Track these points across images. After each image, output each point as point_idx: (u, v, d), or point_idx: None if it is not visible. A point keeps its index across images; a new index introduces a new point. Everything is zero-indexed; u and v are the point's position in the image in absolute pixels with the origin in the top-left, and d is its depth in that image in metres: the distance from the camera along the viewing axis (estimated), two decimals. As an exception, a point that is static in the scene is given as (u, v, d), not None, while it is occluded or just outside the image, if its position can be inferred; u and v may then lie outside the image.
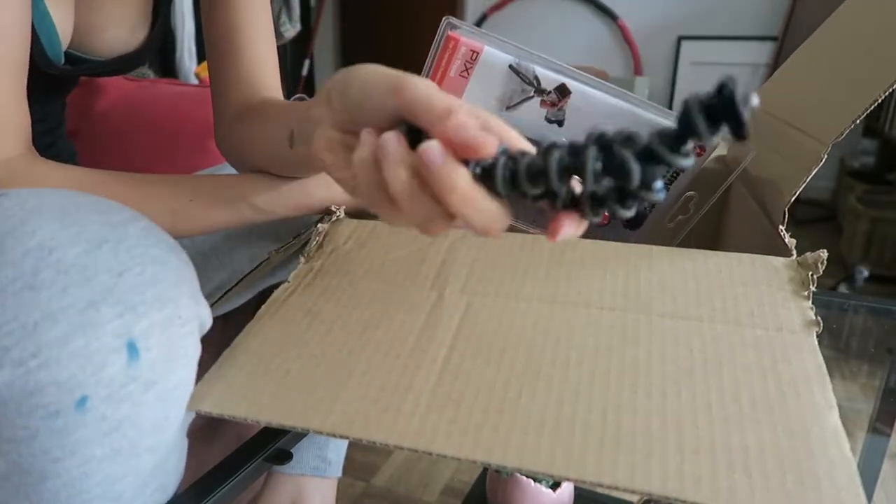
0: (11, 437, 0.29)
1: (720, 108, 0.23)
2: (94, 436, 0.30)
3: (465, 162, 0.30)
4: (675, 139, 0.25)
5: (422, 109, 0.31)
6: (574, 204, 0.30)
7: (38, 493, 0.31)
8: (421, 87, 0.31)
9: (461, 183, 0.29)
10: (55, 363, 0.29)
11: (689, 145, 0.26)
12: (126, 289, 0.32)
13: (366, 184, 0.33)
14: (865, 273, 1.85)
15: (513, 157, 0.30)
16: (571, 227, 0.30)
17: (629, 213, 0.29)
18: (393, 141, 0.31)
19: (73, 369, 0.29)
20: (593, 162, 0.27)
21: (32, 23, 0.46)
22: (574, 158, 0.28)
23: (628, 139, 0.27)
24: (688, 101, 0.24)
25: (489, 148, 0.29)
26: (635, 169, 0.26)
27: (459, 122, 0.29)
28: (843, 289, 1.83)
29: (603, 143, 0.27)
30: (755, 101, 0.23)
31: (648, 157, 0.26)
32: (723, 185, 0.55)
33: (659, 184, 0.27)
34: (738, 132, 0.23)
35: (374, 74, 0.34)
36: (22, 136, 0.44)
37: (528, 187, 0.29)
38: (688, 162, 0.26)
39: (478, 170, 0.30)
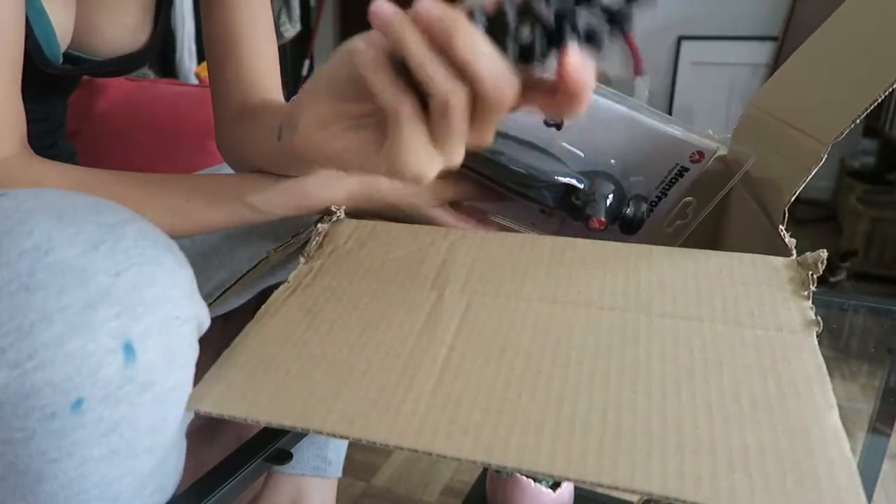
0: (8, 439, 0.29)
1: None
2: (91, 437, 0.30)
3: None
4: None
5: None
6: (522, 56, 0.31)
7: (35, 494, 0.31)
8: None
9: (462, 25, 0.29)
10: (51, 364, 0.29)
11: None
12: (123, 290, 0.31)
13: (380, 87, 0.32)
14: (844, 270, 1.86)
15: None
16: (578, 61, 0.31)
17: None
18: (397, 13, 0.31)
19: (69, 371, 0.29)
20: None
21: (28, 21, 0.46)
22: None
23: None
24: None
25: None
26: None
27: None
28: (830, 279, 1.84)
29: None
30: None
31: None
32: (721, 192, 0.55)
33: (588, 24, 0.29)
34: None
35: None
36: (17, 136, 0.44)
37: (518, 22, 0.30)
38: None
39: (482, 19, 0.30)
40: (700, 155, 0.53)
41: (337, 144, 0.36)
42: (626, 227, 0.55)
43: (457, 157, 0.34)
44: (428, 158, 0.33)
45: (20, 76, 0.44)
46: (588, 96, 0.32)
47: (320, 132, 0.36)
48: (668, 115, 0.52)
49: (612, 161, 0.55)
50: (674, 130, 0.52)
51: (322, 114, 0.36)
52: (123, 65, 0.61)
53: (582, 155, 0.55)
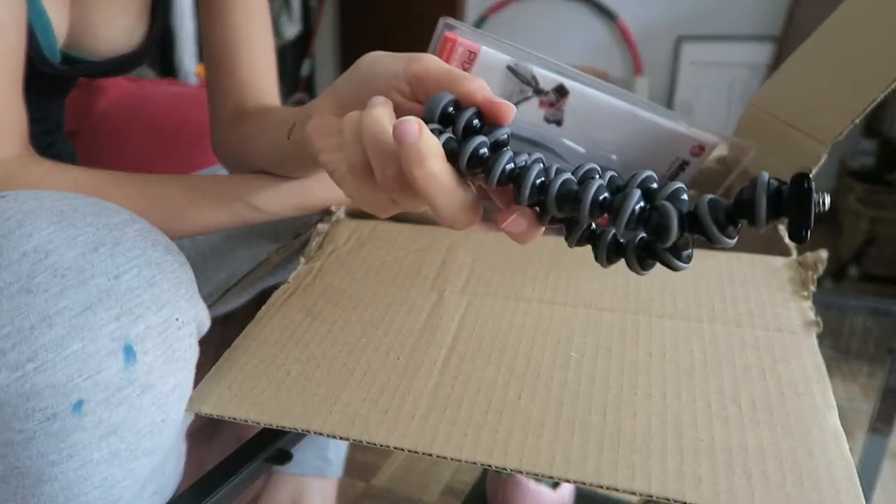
0: (8, 441, 0.29)
1: (790, 200, 0.21)
2: (91, 439, 0.30)
3: (480, 163, 0.29)
4: (726, 212, 0.23)
5: (438, 72, 0.32)
6: (588, 239, 0.28)
7: (35, 496, 0.31)
8: (437, 59, 0.33)
9: (431, 160, 0.28)
10: (51, 367, 0.29)
11: (737, 226, 0.23)
12: (123, 291, 0.32)
13: (349, 149, 0.32)
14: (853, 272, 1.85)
15: (546, 169, 0.28)
16: (524, 226, 0.29)
17: (642, 272, 0.27)
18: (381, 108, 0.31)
19: (69, 373, 0.29)
20: (633, 206, 0.25)
21: (29, 21, 0.46)
22: (612, 196, 0.26)
23: (675, 194, 0.24)
24: (758, 180, 0.22)
25: (510, 113, 0.29)
26: (674, 229, 0.24)
27: (482, 83, 0.30)
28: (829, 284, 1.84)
29: (646, 189, 0.25)
30: (827, 202, 0.21)
31: (691, 222, 0.24)
32: (723, 185, 0.55)
33: (689, 252, 0.25)
34: (800, 232, 0.21)
35: (386, 54, 0.36)
36: (19, 136, 0.44)
37: (554, 208, 0.27)
38: (730, 242, 0.24)
39: (509, 167, 0.28)
40: (700, 148, 0.53)
41: (332, 155, 0.36)
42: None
43: (415, 208, 0.34)
44: (379, 207, 0.33)
45: (22, 77, 0.44)
46: (528, 241, 0.31)
47: (321, 140, 0.37)
48: (667, 109, 0.52)
49: (613, 156, 0.55)
50: (673, 124, 0.52)
51: (327, 124, 0.37)
52: (120, 65, 0.61)
53: (583, 150, 0.55)
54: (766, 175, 0.22)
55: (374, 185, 0.32)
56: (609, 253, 0.28)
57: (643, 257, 0.26)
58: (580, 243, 0.29)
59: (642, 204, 0.25)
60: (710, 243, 0.24)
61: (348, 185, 0.34)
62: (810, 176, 0.21)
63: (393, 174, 0.30)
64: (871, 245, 1.90)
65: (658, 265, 0.27)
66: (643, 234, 0.26)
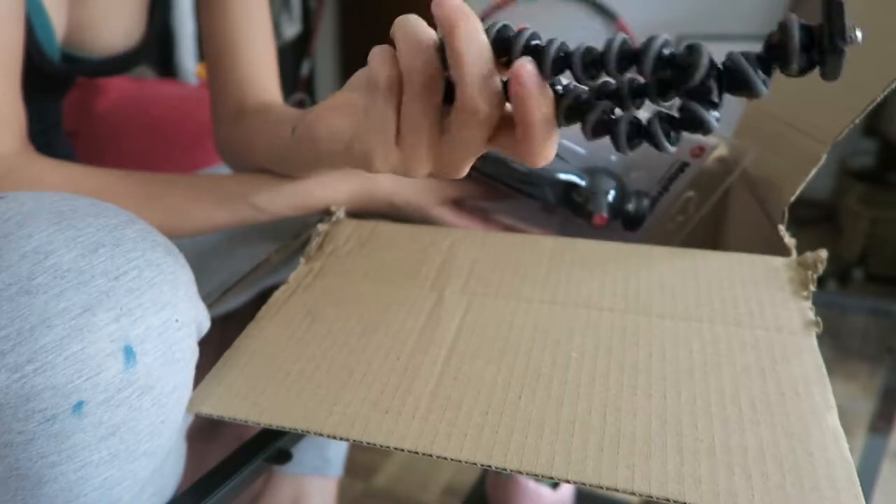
0: (8, 442, 0.29)
1: (823, 28, 0.21)
2: (91, 440, 0.30)
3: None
4: (758, 58, 0.23)
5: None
6: (605, 126, 0.28)
7: (35, 497, 0.31)
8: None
9: (471, 21, 0.29)
10: (51, 368, 0.29)
11: (770, 73, 0.24)
12: (123, 293, 0.32)
13: (375, 59, 0.32)
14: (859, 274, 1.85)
15: (566, 50, 0.28)
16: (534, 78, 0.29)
17: (669, 146, 0.27)
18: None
19: (69, 374, 0.29)
20: (658, 46, 0.25)
21: (28, 18, 0.46)
22: (632, 51, 0.26)
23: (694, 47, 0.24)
24: (788, 18, 0.22)
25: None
26: (704, 61, 0.24)
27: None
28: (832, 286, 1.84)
29: (668, 44, 0.26)
30: (859, 35, 0.21)
31: (721, 71, 0.24)
32: (722, 186, 0.54)
33: (717, 114, 0.25)
34: (832, 61, 0.21)
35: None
36: (17, 133, 0.44)
37: (581, 72, 0.28)
38: (762, 89, 0.24)
39: (535, 38, 0.29)
40: (700, 149, 0.53)
41: (342, 121, 0.36)
42: (628, 222, 0.55)
43: (420, 171, 0.34)
44: (389, 151, 0.34)
45: (20, 73, 0.44)
46: (543, 140, 0.30)
47: (331, 112, 0.37)
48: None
49: (613, 157, 0.55)
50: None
51: (337, 99, 0.38)
52: (119, 63, 0.61)
53: (583, 152, 0.55)
54: (793, 16, 0.22)
55: (390, 113, 0.32)
56: (629, 136, 0.28)
57: (668, 129, 0.26)
58: (597, 132, 0.28)
59: (670, 47, 0.25)
60: (745, 93, 0.24)
61: (376, 110, 0.33)
62: (841, 6, 0.21)
63: (429, 62, 0.30)
64: (874, 247, 1.90)
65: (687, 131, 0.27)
66: (662, 111, 0.27)
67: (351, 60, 3.17)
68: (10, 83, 0.43)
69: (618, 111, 0.29)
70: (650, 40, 0.26)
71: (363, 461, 1.05)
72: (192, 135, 1.00)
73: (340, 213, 0.53)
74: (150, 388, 0.32)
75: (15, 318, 0.29)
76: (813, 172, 0.44)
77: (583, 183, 0.54)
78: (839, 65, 0.21)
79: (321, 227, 0.52)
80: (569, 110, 0.30)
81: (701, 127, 0.26)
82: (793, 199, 0.45)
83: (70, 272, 0.30)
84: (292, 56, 2.85)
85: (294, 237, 0.54)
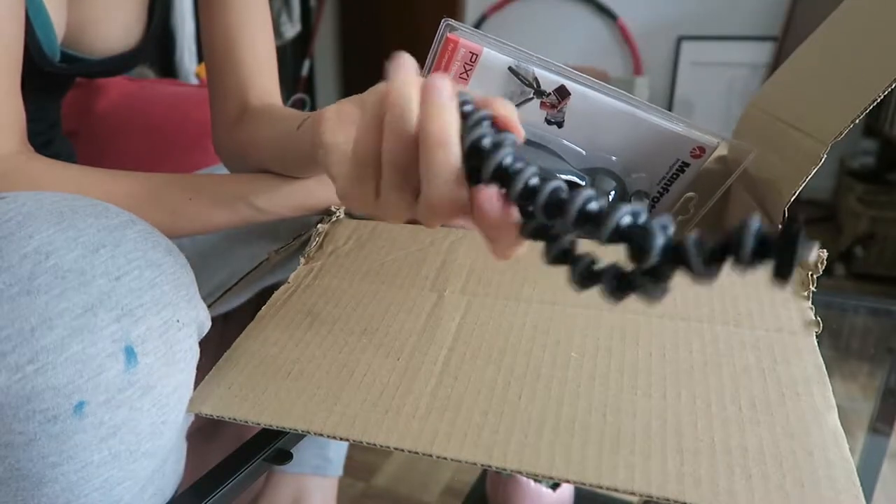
0: (9, 442, 0.29)
1: (776, 244, 0.22)
2: (91, 441, 0.30)
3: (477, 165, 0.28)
4: (711, 251, 0.24)
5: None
6: (564, 258, 0.28)
7: (35, 497, 0.31)
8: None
9: (449, 113, 0.28)
10: (52, 368, 0.29)
11: (721, 266, 0.24)
12: (123, 293, 0.32)
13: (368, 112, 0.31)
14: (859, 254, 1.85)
15: (534, 185, 0.28)
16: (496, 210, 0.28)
17: (614, 301, 0.27)
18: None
19: (70, 374, 0.29)
20: (619, 218, 0.25)
21: (28, 18, 0.46)
22: (600, 209, 0.25)
23: (663, 223, 0.24)
24: (746, 223, 0.22)
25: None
26: (657, 246, 0.24)
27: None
28: (839, 270, 1.84)
29: (634, 212, 0.25)
30: (814, 254, 0.21)
31: (676, 254, 0.24)
32: (723, 186, 0.54)
33: (665, 286, 0.25)
34: (782, 272, 0.22)
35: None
36: (17, 133, 0.44)
37: (542, 213, 0.27)
38: (711, 278, 0.24)
39: (507, 161, 0.27)
40: (700, 150, 0.53)
41: (339, 136, 0.36)
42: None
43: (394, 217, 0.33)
44: (364, 199, 0.33)
45: (20, 73, 0.44)
46: (506, 249, 0.30)
47: (336, 118, 0.37)
48: (667, 111, 0.52)
49: (614, 158, 0.55)
50: (674, 126, 0.52)
51: (345, 108, 0.38)
52: (119, 63, 0.61)
53: (583, 152, 0.55)
54: (754, 220, 0.23)
55: (370, 177, 0.31)
56: (583, 277, 0.28)
57: (618, 287, 0.26)
58: (556, 261, 0.28)
59: (629, 220, 0.25)
60: (691, 272, 0.24)
61: (346, 169, 0.33)
62: (800, 223, 0.21)
63: (403, 143, 0.29)
64: (863, 244, 1.90)
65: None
66: (618, 266, 0.26)
67: (351, 61, 3.17)
68: (10, 83, 0.43)
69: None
70: (612, 210, 0.25)
71: (363, 461, 1.05)
72: (191, 135, 1.00)
73: (340, 213, 0.53)
74: (150, 388, 0.32)
75: (16, 318, 0.29)
76: (813, 172, 0.44)
77: (583, 183, 0.54)
78: (789, 273, 0.22)
79: (321, 227, 0.52)
80: (536, 235, 0.29)
81: (646, 297, 0.26)
82: (792, 199, 0.45)
83: (71, 272, 0.30)
84: (292, 56, 2.85)
85: (294, 237, 0.54)
